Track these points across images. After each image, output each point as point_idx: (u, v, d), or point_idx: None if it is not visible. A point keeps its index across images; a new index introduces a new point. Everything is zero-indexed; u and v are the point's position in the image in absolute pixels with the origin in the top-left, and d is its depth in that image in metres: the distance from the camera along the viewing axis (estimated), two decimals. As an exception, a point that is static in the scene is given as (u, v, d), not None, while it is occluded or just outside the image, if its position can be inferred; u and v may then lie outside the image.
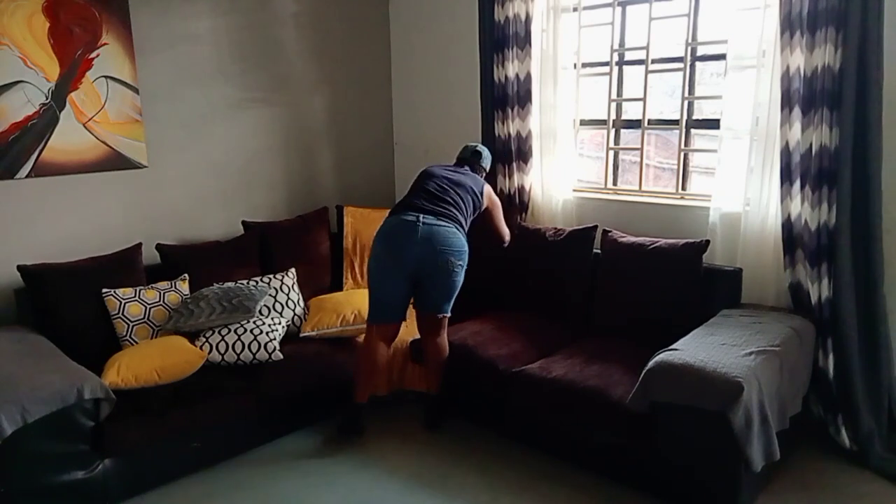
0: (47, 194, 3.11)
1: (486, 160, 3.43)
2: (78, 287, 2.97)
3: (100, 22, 3.16)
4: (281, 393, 2.99)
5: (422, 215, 2.93)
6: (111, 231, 3.29)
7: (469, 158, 3.37)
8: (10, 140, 2.97)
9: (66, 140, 3.13)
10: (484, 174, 3.39)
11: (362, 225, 3.91)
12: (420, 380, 3.30)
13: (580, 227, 3.42)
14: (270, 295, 3.30)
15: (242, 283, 3.26)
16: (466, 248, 3.01)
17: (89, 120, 3.19)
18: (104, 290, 3.00)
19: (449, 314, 3.07)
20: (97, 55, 3.17)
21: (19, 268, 2.92)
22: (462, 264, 3.00)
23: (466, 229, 3.07)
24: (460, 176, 3.19)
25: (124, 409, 2.56)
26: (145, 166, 3.40)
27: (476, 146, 3.42)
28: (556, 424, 2.84)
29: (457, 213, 3.04)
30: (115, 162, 3.29)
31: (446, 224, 2.97)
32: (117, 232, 3.30)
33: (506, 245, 3.42)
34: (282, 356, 3.00)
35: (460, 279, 3.02)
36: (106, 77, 3.21)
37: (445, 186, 3.09)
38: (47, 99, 3.06)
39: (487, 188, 3.26)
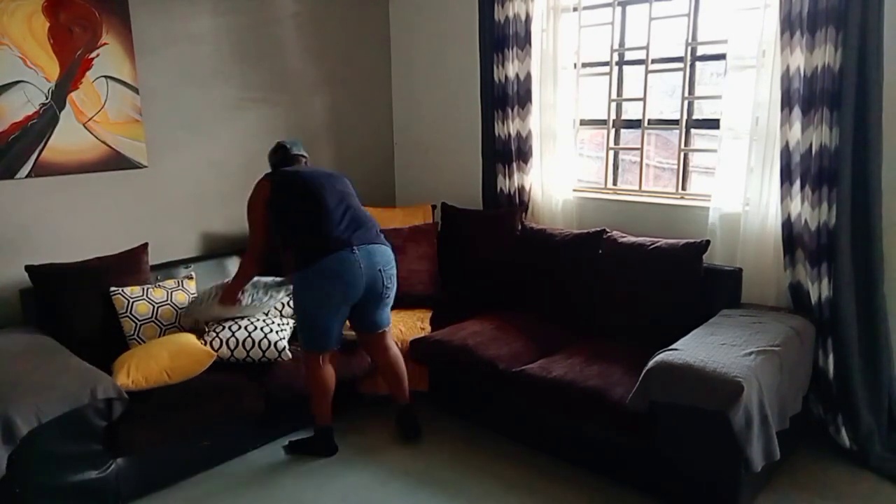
0: (47, 194, 3.11)
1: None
2: (86, 287, 2.98)
3: (100, 22, 3.16)
4: (287, 392, 2.98)
5: (354, 247, 2.79)
6: (110, 231, 3.29)
7: (301, 154, 3.07)
8: (10, 140, 2.97)
9: (66, 140, 3.13)
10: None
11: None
12: (421, 379, 3.30)
13: (586, 230, 3.38)
14: (282, 302, 3.31)
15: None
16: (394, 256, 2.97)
17: (89, 120, 3.19)
18: (112, 289, 3.00)
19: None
20: (97, 55, 3.17)
21: (27, 268, 2.92)
22: (396, 272, 2.96)
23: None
24: (334, 180, 2.97)
25: (135, 409, 2.56)
26: (145, 166, 3.40)
27: (295, 141, 3.13)
28: (557, 424, 2.85)
29: (373, 222, 2.95)
30: (116, 162, 3.29)
31: (374, 240, 2.89)
32: (116, 232, 3.30)
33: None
34: (290, 356, 3.01)
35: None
36: (106, 77, 3.21)
37: (345, 201, 2.92)
38: (47, 99, 3.06)
39: None
